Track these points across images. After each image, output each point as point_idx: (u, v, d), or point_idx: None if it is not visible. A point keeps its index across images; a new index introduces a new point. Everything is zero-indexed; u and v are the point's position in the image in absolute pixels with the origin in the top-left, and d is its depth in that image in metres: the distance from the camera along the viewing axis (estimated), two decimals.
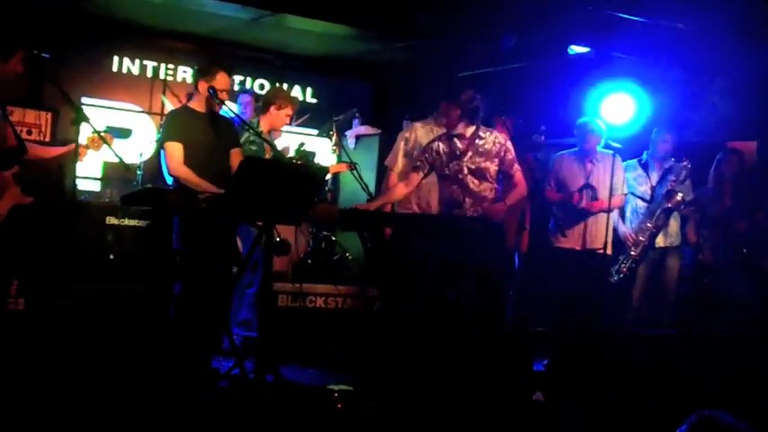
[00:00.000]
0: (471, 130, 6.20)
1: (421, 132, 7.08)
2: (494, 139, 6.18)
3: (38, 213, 5.36)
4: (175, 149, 5.70)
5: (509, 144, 6.22)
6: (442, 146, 6.25)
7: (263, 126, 6.55)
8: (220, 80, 5.76)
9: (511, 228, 7.19)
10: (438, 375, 5.14)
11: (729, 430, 2.37)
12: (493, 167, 6.16)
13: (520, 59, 8.30)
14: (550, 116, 8.34)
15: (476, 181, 6.15)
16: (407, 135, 7.21)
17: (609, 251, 7.31)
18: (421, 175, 6.32)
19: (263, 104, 6.80)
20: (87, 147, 5.29)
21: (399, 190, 6.45)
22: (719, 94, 8.04)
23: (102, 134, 5.31)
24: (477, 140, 6.17)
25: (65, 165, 5.66)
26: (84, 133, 5.18)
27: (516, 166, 6.22)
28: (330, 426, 4.62)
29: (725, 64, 7.73)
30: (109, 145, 5.27)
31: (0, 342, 5.14)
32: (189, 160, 5.71)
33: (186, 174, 5.66)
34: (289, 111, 6.71)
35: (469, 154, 6.15)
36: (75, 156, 5.04)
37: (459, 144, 6.19)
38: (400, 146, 7.19)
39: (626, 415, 5.17)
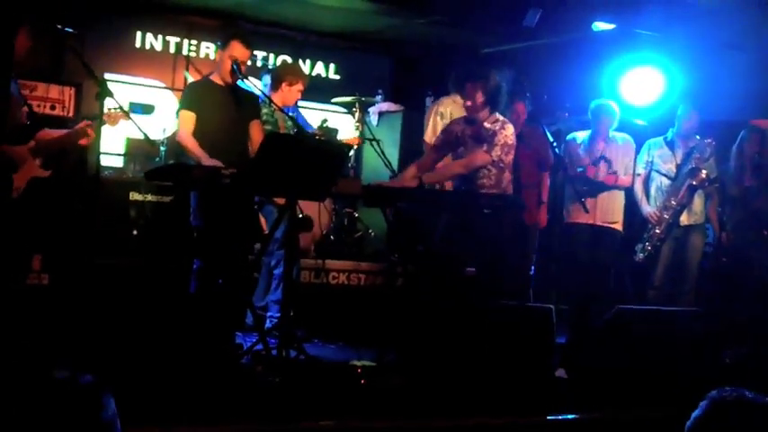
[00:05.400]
0: (486, 116, 6.01)
1: (453, 107, 7.06)
2: (494, 129, 5.95)
3: (56, 187, 5.38)
4: (187, 118, 5.80)
5: (502, 137, 5.93)
6: (456, 129, 6.19)
7: (276, 103, 6.52)
8: (236, 48, 5.81)
9: (531, 203, 7.15)
10: (460, 351, 5.15)
11: (750, 406, 2.36)
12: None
13: (544, 36, 8.24)
14: (575, 93, 8.29)
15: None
16: (442, 110, 7.19)
17: (620, 228, 7.39)
18: (438, 155, 6.27)
19: (273, 81, 6.77)
20: (103, 122, 5.30)
21: (411, 171, 6.34)
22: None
23: (114, 110, 5.32)
24: (482, 130, 6.00)
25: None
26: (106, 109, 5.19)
27: (482, 148, 5.93)
28: (353, 401, 4.63)
29: (749, 39, 7.64)
30: (131, 119, 5.29)
31: (23, 317, 5.17)
32: (204, 133, 5.74)
33: (191, 145, 5.71)
34: (300, 86, 6.69)
35: (470, 143, 6.06)
36: (98, 131, 5.06)
37: (467, 130, 6.09)
38: (437, 120, 7.17)
39: (646, 391, 5.18)
